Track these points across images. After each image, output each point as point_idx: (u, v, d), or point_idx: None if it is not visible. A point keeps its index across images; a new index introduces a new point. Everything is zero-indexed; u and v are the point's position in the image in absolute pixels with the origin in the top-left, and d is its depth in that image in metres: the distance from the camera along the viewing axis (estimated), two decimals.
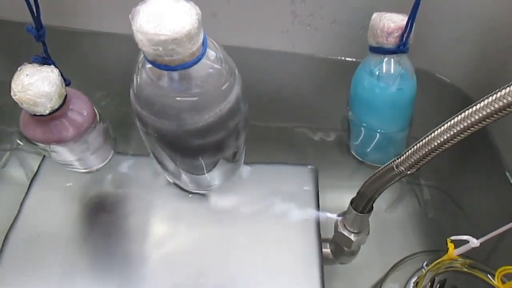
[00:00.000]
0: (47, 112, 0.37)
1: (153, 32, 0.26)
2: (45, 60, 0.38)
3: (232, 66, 0.34)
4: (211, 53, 0.31)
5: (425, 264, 0.42)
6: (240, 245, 0.42)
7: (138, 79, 0.31)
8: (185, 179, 0.43)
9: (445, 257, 0.40)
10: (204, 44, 0.29)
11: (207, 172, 0.40)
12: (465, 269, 0.40)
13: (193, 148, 0.35)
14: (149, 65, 0.30)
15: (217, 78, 0.31)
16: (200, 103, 0.31)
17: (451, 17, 0.54)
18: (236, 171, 0.45)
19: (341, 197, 0.44)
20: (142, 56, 0.30)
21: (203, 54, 0.29)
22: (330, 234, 0.42)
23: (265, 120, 0.54)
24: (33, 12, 0.34)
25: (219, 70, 0.31)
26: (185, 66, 0.28)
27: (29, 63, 0.37)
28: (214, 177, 0.42)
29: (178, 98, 0.31)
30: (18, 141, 0.50)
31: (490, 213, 0.48)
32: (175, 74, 0.29)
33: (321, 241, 0.43)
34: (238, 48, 0.62)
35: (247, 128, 0.38)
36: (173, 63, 0.28)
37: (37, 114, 0.37)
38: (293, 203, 0.45)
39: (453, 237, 0.39)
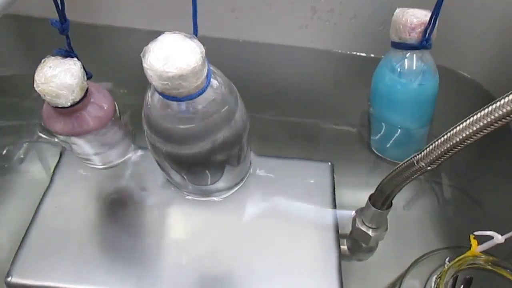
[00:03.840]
0: (69, 104, 0.38)
1: (162, 69, 0.29)
2: (68, 53, 0.38)
3: (232, 87, 0.36)
4: (213, 82, 0.33)
5: (447, 260, 0.41)
6: (255, 241, 0.42)
7: (149, 104, 0.34)
8: (192, 189, 0.44)
9: (468, 253, 0.40)
10: (208, 76, 0.32)
11: (213, 183, 0.42)
12: (489, 266, 0.40)
13: (200, 164, 0.38)
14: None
15: (220, 103, 0.34)
16: (206, 128, 0.34)
17: (474, 14, 0.54)
18: (241, 176, 0.45)
19: (360, 193, 0.44)
20: (152, 85, 0.32)
21: (207, 86, 0.32)
22: (347, 231, 0.42)
23: (283, 115, 0.54)
24: (58, 5, 0.35)
25: (222, 96, 0.34)
26: (191, 97, 0.31)
27: (52, 55, 0.38)
28: (221, 185, 0.43)
29: (184, 125, 0.34)
30: (40, 134, 0.51)
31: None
32: (183, 103, 0.32)
33: (338, 237, 0.42)
34: (256, 43, 0.62)
35: (248, 128, 0.40)
36: (180, 95, 0.31)
37: (59, 106, 0.38)
38: (309, 198, 0.45)
39: (477, 233, 0.38)
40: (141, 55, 0.30)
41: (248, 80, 0.58)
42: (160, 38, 0.30)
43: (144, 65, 0.29)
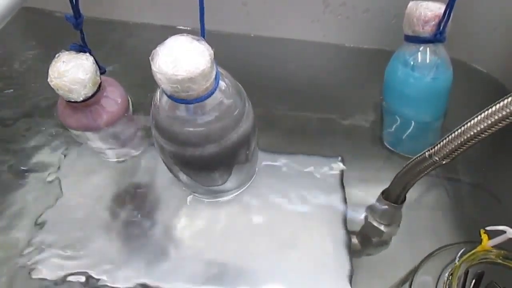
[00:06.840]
0: (81, 99, 0.38)
1: (171, 73, 0.29)
2: (82, 48, 0.39)
3: (239, 88, 0.36)
4: (222, 84, 0.33)
5: (458, 255, 0.41)
6: (265, 237, 0.42)
7: (157, 106, 0.34)
8: (200, 190, 0.44)
9: (479, 248, 0.39)
10: (216, 78, 0.32)
11: (220, 184, 0.42)
12: (499, 261, 0.39)
13: (208, 166, 0.38)
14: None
15: (228, 105, 0.34)
16: (214, 130, 0.34)
17: (488, 6, 0.53)
18: (249, 176, 0.45)
19: (371, 188, 0.44)
20: (161, 87, 0.32)
21: (216, 88, 0.32)
22: (358, 225, 0.42)
23: (294, 110, 0.54)
24: (72, 0, 0.35)
25: (230, 98, 0.34)
26: (199, 100, 0.31)
27: (67, 50, 0.38)
28: (229, 185, 0.43)
29: (192, 128, 0.34)
30: (56, 127, 0.51)
31: None
32: (191, 106, 0.32)
33: (349, 232, 0.42)
34: (268, 38, 0.62)
35: (256, 129, 0.40)
36: (189, 98, 0.31)
37: (72, 100, 0.38)
38: (319, 193, 0.45)
39: (488, 228, 0.38)
40: (150, 58, 0.30)
41: (260, 75, 0.58)
42: (168, 41, 0.31)
43: (153, 68, 0.29)
